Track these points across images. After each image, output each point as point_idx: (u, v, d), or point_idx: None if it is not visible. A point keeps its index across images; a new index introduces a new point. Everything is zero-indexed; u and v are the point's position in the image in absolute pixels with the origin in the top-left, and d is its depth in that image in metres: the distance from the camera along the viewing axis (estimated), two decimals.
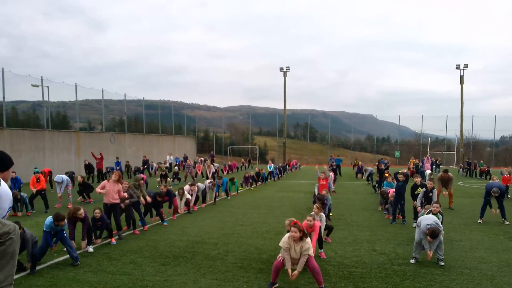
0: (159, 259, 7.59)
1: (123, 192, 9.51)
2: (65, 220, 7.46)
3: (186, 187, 13.58)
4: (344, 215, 12.50)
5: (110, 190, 9.17)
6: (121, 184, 9.43)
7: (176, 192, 12.76)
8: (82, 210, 8.10)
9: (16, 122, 29.52)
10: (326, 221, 8.63)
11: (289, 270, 5.86)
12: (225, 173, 29.98)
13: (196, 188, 13.73)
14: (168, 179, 21.93)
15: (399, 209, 11.38)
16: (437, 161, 33.04)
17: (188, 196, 13.05)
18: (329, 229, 8.89)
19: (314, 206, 8.34)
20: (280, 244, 5.97)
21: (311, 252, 5.84)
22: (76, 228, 8.33)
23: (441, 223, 8.45)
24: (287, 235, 5.93)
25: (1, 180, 3.78)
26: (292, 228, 5.80)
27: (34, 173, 13.54)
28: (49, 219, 7.43)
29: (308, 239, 5.93)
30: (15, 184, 14.83)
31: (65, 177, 14.70)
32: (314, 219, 7.23)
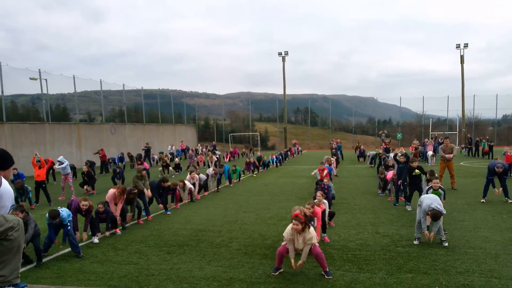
0: (164, 247, 7.63)
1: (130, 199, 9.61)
2: (60, 217, 7.25)
3: (187, 177, 13.63)
4: (347, 199, 12.52)
5: (114, 200, 9.23)
6: (124, 196, 9.40)
7: (181, 181, 12.79)
8: (86, 202, 8.12)
9: (16, 116, 29.48)
10: (329, 207, 8.69)
11: (292, 261, 5.87)
12: (226, 160, 30.15)
13: (196, 176, 13.72)
14: (170, 168, 21.99)
15: (401, 190, 11.42)
16: (439, 140, 32.94)
17: (190, 185, 13.03)
18: (331, 215, 8.90)
19: (318, 194, 8.36)
20: (284, 234, 5.98)
21: (315, 241, 5.85)
22: (79, 219, 8.36)
23: (444, 199, 8.49)
24: (290, 225, 5.92)
25: (2, 178, 3.79)
26: (294, 221, 5.80)
27: (37, 161, 13.54)
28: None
29: (311, 229, 5.93)
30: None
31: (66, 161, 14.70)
32: (313, 206, 7.16)
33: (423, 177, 10.65)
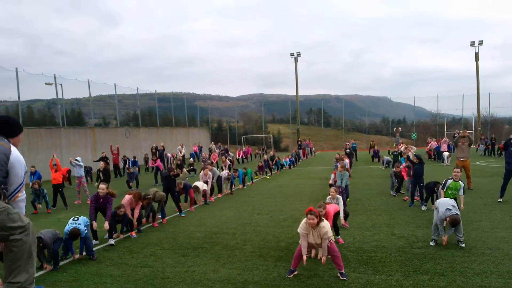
0: (179, 250, 7.67)
1: (144, 205, 9.70)
2: (80, 234, 7.26)
3: (200, 174, 13.56)
4: (362, 200, 12.44)
5: (130, 205, 9.29)
6: (141, 202, 9.47)
7: (193, 185, 12.82)
8: (104, 186, 8.39)
9: (32, 121, 29.93)
10: (344, 205, 8.69)
11: (304, 258, 5.90)
12: (239, 157, 30.75)
13: (209, 172, 13.68)
14: (184, 170, 22.04)
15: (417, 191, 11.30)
16: (456, 134, 32.40)
17: (204, 187, 13.03)
18: (345, 214, 8.87)
19: (332, 189, 8.50)
20: (298, 230, 6.02)
21: (331, 235, 5.87)
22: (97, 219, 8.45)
23: (463, 193, 8.58)
24: (304, 220, 5.95)
25: (12, 146, 3.69)
26: (309, 216, 5.82)
27: (53, 164, 13.69)
28: (68, 226, 7.34)
29: (325, 222, 5.96)
30: (33, 177, 15.09)
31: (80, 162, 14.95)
32: (324, 207, 7.10)
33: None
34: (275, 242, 7.96)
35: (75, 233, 7.14)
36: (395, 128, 29.18)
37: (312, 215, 5.78)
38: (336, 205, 7.94)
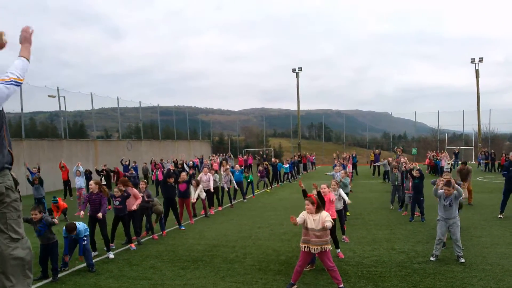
0: (178, 263, 7.67)
1: (141, 192, 9.77)
2: (76, 230, 7.34)
3: (200, 175, 13.48)
4: (362, 214, 12.42)
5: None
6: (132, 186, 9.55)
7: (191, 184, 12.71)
8: (95, 185, 8.54)
9: (35, 133, 30.07)
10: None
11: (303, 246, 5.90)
12: (241, 165, 30.62)
13: (208, 172, 13.69)
14: (183, 174, 21.79)
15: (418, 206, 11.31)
16: (456, 151, 32.31)
17: (202, 195, 12.98)
18: (341, 216, 8.93)
19: (332, 182, 8.71)
20: (298, 218, 5.93)
21: (330, 218, 5.85)
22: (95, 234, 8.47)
23: (460, 208, 8.45)
24: (304, 212, 5.99)
25: None
26: (306, 201, 5.93)
27: (53, 202, 13.41)
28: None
29: (324, 212, 5.94)
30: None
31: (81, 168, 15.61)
32: (328, 188, 7.23)
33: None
34: (275, 256, 7.95)
35: (71, 227, 7.25)
36: (396, 148, 28.97)
37: (308, 200, 5.89)
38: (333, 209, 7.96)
